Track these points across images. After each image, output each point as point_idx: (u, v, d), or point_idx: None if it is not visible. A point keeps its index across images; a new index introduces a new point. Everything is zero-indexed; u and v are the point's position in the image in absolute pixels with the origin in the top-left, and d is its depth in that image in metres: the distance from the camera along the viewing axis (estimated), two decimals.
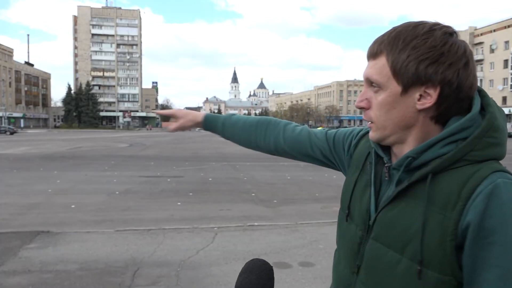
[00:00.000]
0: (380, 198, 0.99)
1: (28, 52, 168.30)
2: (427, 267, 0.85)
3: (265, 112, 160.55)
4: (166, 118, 1.54)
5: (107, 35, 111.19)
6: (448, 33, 0.89)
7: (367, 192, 1.02)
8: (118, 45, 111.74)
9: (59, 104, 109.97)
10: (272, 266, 0.97)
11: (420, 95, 0.89)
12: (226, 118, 1.43)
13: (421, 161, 0.90)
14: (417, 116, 0.91)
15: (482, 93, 0.93)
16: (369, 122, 0.97)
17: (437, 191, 0.86)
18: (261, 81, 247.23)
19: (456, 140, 0.88)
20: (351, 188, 1.08)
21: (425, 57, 0.87)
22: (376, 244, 0.95)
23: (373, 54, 0.94)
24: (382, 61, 0.91)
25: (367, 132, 1.15)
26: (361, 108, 0.97)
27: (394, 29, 0.93)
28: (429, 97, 0.88)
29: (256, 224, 6.61)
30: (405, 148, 0.94)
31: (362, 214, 1.01)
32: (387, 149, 1.01)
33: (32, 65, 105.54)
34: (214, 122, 1.45)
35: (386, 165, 0.98)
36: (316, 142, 1.27)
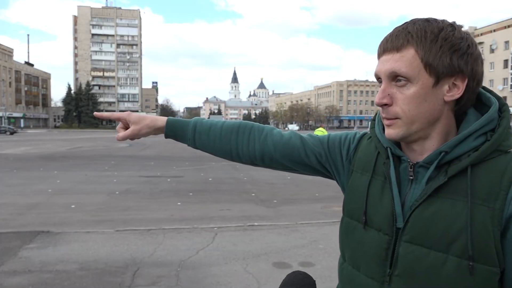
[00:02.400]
0: (403, 199, 0.94)
1: (28, 52, 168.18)
2: (478, 261, 0.84)
3: (265, 112, 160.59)
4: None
5: (107, 35, 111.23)
6: (461, 27, 0.91)
7: (386, 194, 0.97)
8: (118, 45, 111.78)
9: (59, 104, 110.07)
10: (314, 280, 0.91)
11: (449, 87, 0.89)
12: (198, 122, 1.22)
13: (453, 156, 0.89)
14: (443, 109, 0.91)
15: (486, 89, 0.95)
16: (388, 120, 0.93)
17: (476, 184, 0.86)
18: (261, 81, 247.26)
19: (485, 132, 0.89)
20: (365, 192, 1.01)
21: (457, 47, 0.87)
22: (412, 246, 0.90)
23: (396, 47, 0.90)
24: (410, 53, 0.88)
25: (364, 134, 1.13)
26: (383, 105, 0.93)
27: (413, 22, 0.91)
28: (456, 89, 0.89)
29: (256, 224, 6.61)
30: (428, 144, 0.93)
31: (386, 217, 0.95)
32: (398, 148, 0.99)
33: (32, 65, 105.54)
34: (181, 127, 1.21)
35: (410, 163, 0.95)
36: (311, 148, 1.16)
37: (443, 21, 0.90)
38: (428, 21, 0.90)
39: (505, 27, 66.65)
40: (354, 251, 1.02)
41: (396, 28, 0.93)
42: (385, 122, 0.94)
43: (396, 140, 0.95)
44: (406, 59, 0.88)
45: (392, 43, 0.90)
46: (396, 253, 0.93)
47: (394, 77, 0.90)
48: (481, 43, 70.98)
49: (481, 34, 71.63)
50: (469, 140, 0.89)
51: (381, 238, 0.95)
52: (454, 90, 0.89)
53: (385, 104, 0.92)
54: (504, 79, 65.88)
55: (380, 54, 0.94)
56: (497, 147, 0.87)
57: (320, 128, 14.29)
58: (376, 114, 1.09)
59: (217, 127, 1.21)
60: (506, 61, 65.40)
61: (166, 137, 1.23)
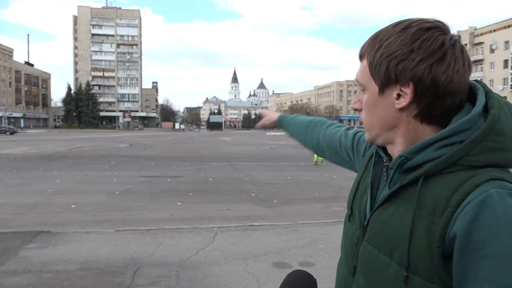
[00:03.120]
0: (376, 199, 0.97)
1: (28, 52, 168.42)
2: (414, 273, 0.82)
3: None
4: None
5: (107, 35, 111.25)
6: (425, 28, 0.84)
7: (367, 192, 1.01)
8: (118, 45, 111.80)
9: (59, 104, 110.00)
10: (315, 280, 0.91)
11: (398, 94, 0.86)
12: (292, 118, 1.59)
13: (414, 163, 0.87)
14: (399, 116, 0.88)
15: (489, 94, 0.87)
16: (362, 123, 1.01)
17: (427, 195, 0.83)
18: (261, 81, 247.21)
19: (452, 143, 0.83)
20: (355, 188, 1.08)
21: (395, 55, 0.84)
22: (368, 246, 0.94)
23: (360, 56, 0.95)
24: (364, 62, 0.92)
25: None
26: (355, 109, 0.98)
27: (379, 30, 0.92)
28: (406, 96, 0.85)
29: (256, 224, 6.61)
30: (396, 149, 0.93)
31: (360, 214, 1.00)
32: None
33: (32, 65, 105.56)
34: (283, 121, 1.62)
35: (384, 164, 0.97)
36: (344, 140, 1.30)
37: (409, 23, 0.86)
38: (394, 26, 0.88)
39: (505, 27, 66.60)
40: (343, 241, 1.09)
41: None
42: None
43: (370, 143, 1.02)
44: (362, 68, 0.94)
45: (359, 51, 0.96)
46: (358, 250, 0.98)
47: (360, 84, 0.96)
48: (481, 43, 71.00)
49: (481, 34, 71.54)
50: (430, 149, 0.85)
51: (355, 233, 1.01)
52: (404, 98, 0.86)
53: (357, 109, 0.98)
54: (504, 79, 65.84)
55: None
56: (456, 161, 0.81)
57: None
58: None
59: (298, 122, 1.55)
60: (506, 61, 65.32)
61: (280, 127, 1.67)
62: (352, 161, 1.27)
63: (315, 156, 16.63)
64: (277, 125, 1.65)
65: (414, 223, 0.83)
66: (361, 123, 1.00)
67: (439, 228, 0.79)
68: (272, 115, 1.70)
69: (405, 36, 0.84)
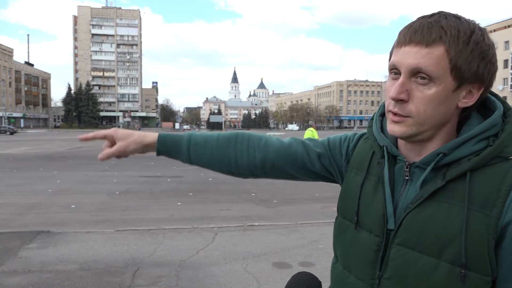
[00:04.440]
0: (396, 200, 0.91)
1: (28, 52, 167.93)
2: (470, 269, 0.81)
3: (265, 112, 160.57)
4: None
5: (107, 35, 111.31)
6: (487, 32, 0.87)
7: (379, 195, 0.94)
8: (118, 45, 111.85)
9: (59, 104, 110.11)
10: (320, 282, 0.88)
11: (465, 93, 0.86)
12: (192, 135, 1.17)
13: (452, 158, 0.86)
14: (454, 113, 0.88)
15: (491, 92, 0.92)
16: (398, 116, 0.87)
17: (475, 189, 0.83)
18: (261, 81, 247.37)
19: (487, 137, 0.85)
20: (357, 192, 0.99)
21: (485, 55, 0.84)
22: (403, 250, 0.87)
23: (427, 41, 0.82)
24: (440, 52, 0.81)
25: (363, 134, 1.10)
26: (399, 100, 0.85)
27: (444, 15, 0.84)
28: (471, 96, 0.86)
29: (256, 224, 6.61)
30: (430, 145, 0.89)
31: (377, 218, 0.93)
32: (395, 147, 0.96)
33: (32, 65, 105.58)
34: (174, 142, 1.16)
35: (406, 163, 0.92)
36: (313, 152, 1.12)
37: (473, 22, 0.85)
38: (459, 18, 0.84)
39: (505, 27, 66.68)
40: (346, 252, 1.01)
41: (423, 18, 0.86)
42: (394, 118, 0.87)
43: (400, 138, 0.91)
44: (434, 57, 0.81)
45: (422, 36, 0.82)
46: (387, 256, 0.90)
47: (416, 73, 0.83)
48: None
49: None
50: (470, 144, 0.85)
51: (372, 240, 0.93)
52: (468, 97, 0.86)
53: (401, 100, 0.85)
54: (504, 79, 65.91)
55: (403, 43, 0.85)
56: (498, 153, 0.84)
57: (311, 128, 14.26)
58: (374, 113, 1.06)
59: (213, 138, 1.16)
60: (506, 61, 65.44)
61: (158, 154, 1.16)
62: (328, 171, 1.13)
63: None
64: (157, 148, 1.18)
65: (469, 219, 0.81)
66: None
67: (493, 219, 0.80)
68: (137, 135, 1.18)
69: (487, 36, 0.85)
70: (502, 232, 0.80)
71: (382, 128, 1.00)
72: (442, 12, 0.86)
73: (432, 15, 0.85)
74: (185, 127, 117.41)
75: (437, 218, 0.85)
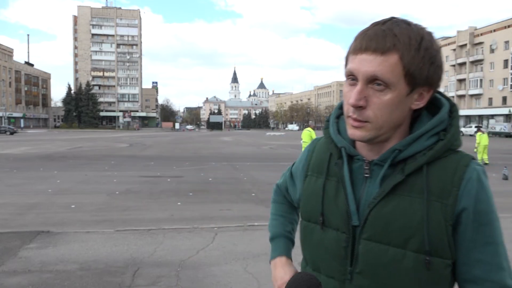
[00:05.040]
0: (359, 197, 0.96)
1: (28, 52, 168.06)
2: (434, 255, 0.89)
3: (265, 112, 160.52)
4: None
5: (107, 35, 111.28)
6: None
7: (340, 194, 0.98)
8: (118, 45, 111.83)
9: (59, 104, 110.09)
10: (320, 282, 0.91)
11: (417, 96, 0.92)
12: (272, 242, 1.41)
13: (407, 154, 0.92)
14: (407, 115, 0.94)
15: (437, 91, 0.98)
16: (357, 121, 0.91)
17: (431, 181, 0.90)
18: (261, 81, 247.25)
19: (437, 132, 0.93)
20: (320, 194, 1.02)
21: (434, 59, 0.89)
22: (371, 244, 0.93)
23: (382, 50, 0.86)
24: (394, 59, 0.86)
25: (320, 139, 1.13)
26: (358, 107, 0.89)
27: (396, 23, 0.88)
28: (422, 98, 0.93)
29: (256, 224, 6.61)
30: (387, 145, 0.95)
31: (342, 216, 0.97)
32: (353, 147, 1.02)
33: (32, 65, 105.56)
34: (281, 252, 1.35)
35: (365, 161, 0.97)
36: (288, 190, 1.26)
37: (422, 27, 0.90)
38: (409, 24, 0.88)
39: (505, 27, 66.56)
40: (314, 253, 1.04)
41: (377, 25, 0.89)
42: (353, 123, 0.92)
43: (360, 141, 0.96)
44: (389, 65, 0.86)
45: (377, 44, 0.86)
46: (356, 251, 0.95)
47: (373, 80, 0.87)
48: (481, 43, 70.92)
49: (481, 34, 71.49)
50: (422, 140, 0.92)
51: (339, 237, 0.97)
52: (420, 99, 0.92)
53: (360, 106, 0.89)
54: (504, 79, 65.77)
55: (359, 51, 0.88)
56: (450, 147, 0.92)
57: (308, 128, 14.25)
58: (330, 115, 1.10)
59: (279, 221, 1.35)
60: (506, 61, 65.27)
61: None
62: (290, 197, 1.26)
63: None
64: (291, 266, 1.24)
65: (428, 209, 0.89)
66: (356, 120, 0.91)
67: (449, 207, 0.88)
68: (282, 277, 1.17)
69: (435, 42, 0.91)
70: (458, 218, 0.89)
71: (339, 130, 1.04)
72: (394, 18, 0.90)
73: (385, 22, 0.89)
74: (188, 127, 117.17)
75: (400, 211, 0.90)
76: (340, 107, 1.04)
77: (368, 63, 0.87)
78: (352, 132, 0.93)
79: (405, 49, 0.86)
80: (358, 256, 0.95)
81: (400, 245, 0.90)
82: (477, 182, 0.89)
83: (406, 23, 0.89)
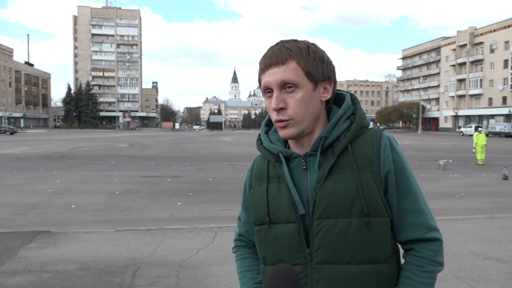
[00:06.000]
0: (304, 188, 1.12)
1: (28, 52, 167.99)
2: (372, 216, 1.06)
3: (265, 112, 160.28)
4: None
5: (107, 35, 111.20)
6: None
7: (283, 190, 1.14)
8: (118, 45, 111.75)
9: (59, 104, 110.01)
10: (298, 272, 1.01)
11: (322, 90, 1.13)
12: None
13: (332, 139, 1.11)
14: (321, 108, 1.14)
15: (339, 90, 1.23)
16: (283, 122, 1.09)
17: (357, 156, 1.09)
18: None
19: (349, 116, 1.14)
20: (265, 197, 1.17)
21: (323, 58, 1.12)
22: (322, 221, 1.08)
23: (281, 61, 1.07)
24: (293, 65, 1.07)
25: (256, 158, 1.29)
26: (280, 109, 1.08)
27: (285, 41, 1.12)
28: (327, 91, 1.14)
29: None
30: (314, 137, 1.13)
31: (289, 208, 1.12)
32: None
33: (32, 65, 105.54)
34: None
35: (301, 156, 1.13)
36: (247, 221, 1.35)
37: (306, 40, 1.14)
38: (296, 40, 1.12)
39: (505, 27, 66.54)
40: (273, 249, 1.16)
41: (272, 47, 1.11)
42: (280, 124, 1.10)
43: (291, 138, 1.13)
44: (290, 70, 1.07)
45: (276, 58, 1.08)
46: (311, 233, 1.10)
47: (284, 85, 1.08)
48: (481, 43, 70.90)
49: (481, 34, 71.46)
50: (340, 124, 1.12)
51: (291, 227, 1.12)
52: (326, 92, 1.14)
53: (281, 108, 1.08)
54: (504, 79, 65.73)
55: (265, 69, 1.10)
56: (362, 125, 1.13)
57: None
58: (259, 133, 1.27)
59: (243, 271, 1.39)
60: (506, 61, 65.22)
61: None
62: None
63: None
64: None
65: (360, 179, 1.07)
66: (282, 120, 1.10)
67: (376, 173, 1.08)
68: None
69: (319, 47, 1.14)
70: (385, 182, 1.10)
71: (271, 141, 1.21)
72: (283, 40, 1.14)
73: (277, 43, 1.13)
74: (195, 127, 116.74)
75: (338, 186, 1.08)
76: (266, 124, 1.26)
77: (275, 74, 1.08)
78: (283, 132, 1.11)
79: (298, 55, 1.08)
80: (313, 236, 1.09)
81: (345, 215, 1.07)
82: (390, 148, 1.10)
83: (294, 40, 1.12)
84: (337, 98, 1.20)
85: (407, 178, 1.11)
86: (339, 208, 1.07)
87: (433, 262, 1.11)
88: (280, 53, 1.08)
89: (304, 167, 1.12)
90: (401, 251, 1.20)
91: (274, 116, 1.10)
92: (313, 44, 1.13)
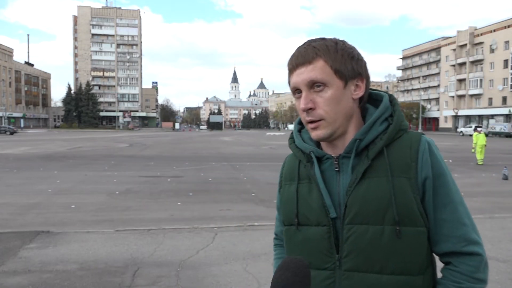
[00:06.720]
0: (336, 191, 1.07)
1: (28, 52, 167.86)
2: (404, 225, 1.00)
3: (265, 112, 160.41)
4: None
5: (107, 35, 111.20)
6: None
7: (314, 192, 1.10)
8: (118, 45, 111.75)
9: (59, 104, 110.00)
10: (308, 263, 0.97)
11: (354, 87, 1.08)
12: None
13: (367, 141, 1.06)
14: (354, 106, 1.09)
15: (373, 88, 1.17)
16: (313, 123, 1.05)
17: (393, 160, 1.04)
18: (261, 81, 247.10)
19: (386, 118, 1.09)
20: (295, 198, 1.13)
21: (352, 54, 1.07)
22: (354, 227, 1.04)
23: (308, 60, 1.04)
24: (321, 64, 1.04)
25: (288, 156, 1.25)
26: (309, 109, 1.05)
27: (313, 41, 1.09)
28: (359, 88, 1.09)
29: (256, 224, 6.61)
30: (348, 138, 1.09)
31: (320, 211, 1.08)
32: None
33: (32, 65, 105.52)
34: None
35: (334, 157, 1.09)
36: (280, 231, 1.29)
37: (334, 37, 1.10)
38: (323, 39, 1.09)
39: (505, 27, 66.49)
40: (302, 252, 1.11)
41: (299, 48, 1.09)
42: (311, 125, 1.07)
43: (323, 140, 1.09)
44: (318, 68, 1.04)
45: (303, 58, 1.05)
46: (341, 238, 1.05)
47: (312, 84, 1.04)
48: (481, 43, 70.84)
49: (481, 34, 71.40)
50: (376, 126, 1.07)
51: (322, 230, 1.08)
52: (358, 90, 1.08)
53: (310, 109, 1.05)
54: (504, 79, 65.68)
55: (293, 69, 1.07)
56: (400, 127, 1.07)
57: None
58: (292, 132, 1.24)
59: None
60: (506, 61, 65.15)
61: None
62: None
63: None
64: None
65: (394, 185, 1.02)
66: (312, 121, 1.06)
67: (413, 179, 1.02)
68: None
69: (347, 43, 1.10)
70: (422, 188, 1.03)
71: (304, 140, 1.17)
72: (310, 39, 1.11)
73: (304, 43, 1.09)
74: (202, 127, 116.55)
75: (372, 191, 1.03)
76: (299, 122, 1.20)
77: (303, 74, 1.05)
78: (314, 133, 1.07)
79: (326, 53, 1.04)
80: (343, 242, 1.05)
81: (378, 222, 1.01)
82: (429, 152, 1.04)
83: (321, 38, 1.09)
84: (374, 98, 1.15)
85: (446, 185, 1.04)
86: (371, 214, 1.02)
87: (471, 278, 1.02)
88: (307, 53, 1.05)
89: (336, 169, 1.08)
90: (438, 264, 1.13)
91: (304, 117, 1.07)
92: (342, 41, 1.09)
